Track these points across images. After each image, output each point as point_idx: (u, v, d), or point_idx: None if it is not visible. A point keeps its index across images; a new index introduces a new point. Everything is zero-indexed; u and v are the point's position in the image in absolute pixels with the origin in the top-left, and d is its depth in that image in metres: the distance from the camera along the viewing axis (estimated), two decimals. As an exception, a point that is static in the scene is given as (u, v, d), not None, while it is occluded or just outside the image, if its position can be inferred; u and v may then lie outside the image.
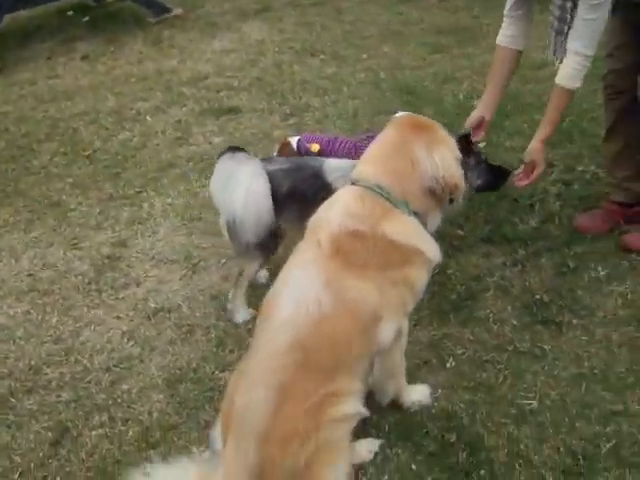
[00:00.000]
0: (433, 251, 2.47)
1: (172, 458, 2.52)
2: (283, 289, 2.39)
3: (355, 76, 5.93)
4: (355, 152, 3.61)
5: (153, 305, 3.54)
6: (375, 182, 2.40)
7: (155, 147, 5.16)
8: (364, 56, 6.33)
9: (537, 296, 3.22)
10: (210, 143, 5.12)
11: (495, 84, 3.34)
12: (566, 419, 2.63)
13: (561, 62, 3.06)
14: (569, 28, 3.01)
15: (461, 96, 5.28)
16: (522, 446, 2.54)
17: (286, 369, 2.28)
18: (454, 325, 3.14)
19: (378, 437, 2.63)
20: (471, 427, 2.64)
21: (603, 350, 2.91)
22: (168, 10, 8.13)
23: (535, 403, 2.71)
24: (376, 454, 2.58)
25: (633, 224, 3.54)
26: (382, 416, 2.69)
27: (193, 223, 4.19)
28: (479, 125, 3.33)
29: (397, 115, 2.71)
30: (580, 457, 2.47)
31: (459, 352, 3.00)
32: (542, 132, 3.14)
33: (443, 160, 2.42)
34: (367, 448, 2.58)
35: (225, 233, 3.25)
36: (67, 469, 2.71)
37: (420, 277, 2.47)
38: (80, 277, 3.82)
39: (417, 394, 2.76)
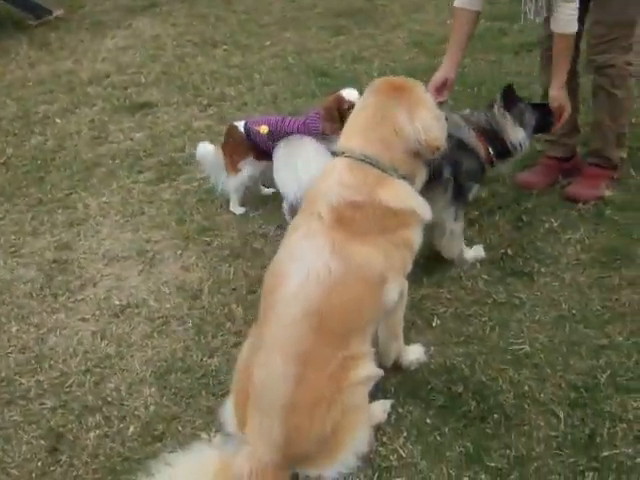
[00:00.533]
0: (425, 210, 2.54)
1: (184, 447, 2.46)
2: (289, 261, 2.40)
3: (264, 63, 5.94)
4: (305, 128, 3.64)
5: (118, 302, 3.44)
6: (361, 152, 2.43)
7: (74, 148, 4.99)
8: (267, 43, 6.35)
9: (502, 250, 3.35)
10: (132, 139, 5.02)
11: (456, 45, 3.41)
12: (559, 358, 2.76)
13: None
14: None
15: (375, 74, 5.37)
16: (526, 387, 2.65)
17: (303, 337, 2.30)
18: (430, 286, 3.22)
19: (387, 398, 2.67)
20: (473, 377, 2.72)
21: (575, 293, 3.07)
22: (49, 12, 7.85)
23: (527, 347, 2.83)
24: (389, 414, 2.61)
25: (571, 176, 3.74)
26: (386, 378, 2.72)
27: (136, 218, 4.10)
28: (443, 85, 3.39)
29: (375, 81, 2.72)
30: (582, 390, 2.60)
31: (441, 311, 3.09)
32: (557, 80, 3.28)
33: (423, 122, 2.47)
34: (381, 409, 2.62)
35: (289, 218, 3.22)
36: (73, 473, 2.61)
37: (416, 236, 2.53)
38: (30, 284, 3.66)
39: (414, 353, 2.82)
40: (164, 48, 6.59)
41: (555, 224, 3.47)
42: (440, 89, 3.38)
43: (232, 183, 3.96)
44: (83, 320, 3.37)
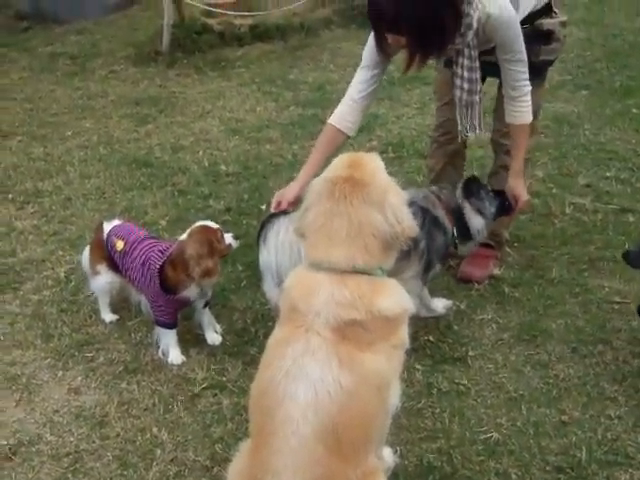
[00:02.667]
0: (412, 305, 2.44)
1: None
2: (288, 380, 2.15)
3: (72, 154, 5.49)
4: (145, 267, 3.27)
5: (5, 442, 2.89)
6: (349, 265, 2.27)
7: None
8: (68, 133, 5.89)
9: (423, 338, 3.33)
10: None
11: (316, 163, 3.22)
12: (530, 441, 2.77)
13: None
14: (480, 95, 3.21)
15: (206, 162, 5.21)
16: (514, 476, 2.62)
17: (319, 460, 2.09)
18: (364, 382, 3.09)
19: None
20: (457, 473, 2.64)
21: (513, 373, 3.12)
22: None
23: (495, 434, 2.80)
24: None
25: (455, 257, 3.82)
26: None
27: (-14, 338, 3.50)
28: (295, 200, 3.12)
29: (327, 171, 2.53)
30: (569, 470, 2.62)
31: (387, 406, 2.96)
32: (514, 169, 3.35)
33: (396, 213, 2.35)
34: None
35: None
36: None
37: (406, 332, 2.42)
38: None
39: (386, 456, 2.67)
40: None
41: (462, 306, 3.53)
42: (290, 203, 3.14)
43: (93, 285, 3.56)
44: (-39, 473, 2.77)
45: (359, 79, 3.26)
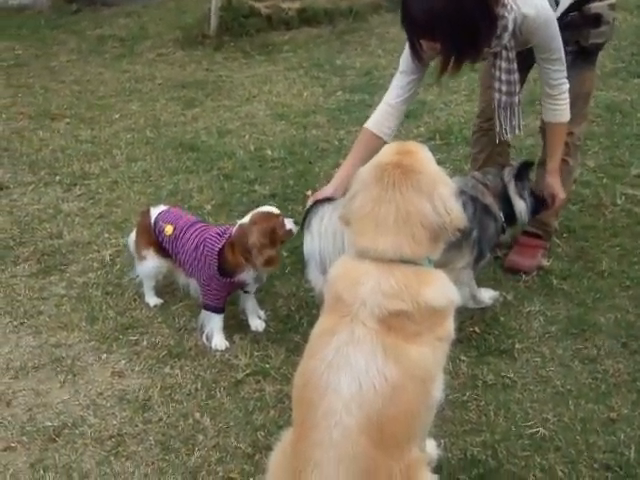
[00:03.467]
0: (459, 297, 2.39)
1: None
2: (331, 371, 2.12)
3: (119, 137, 5.52)
4: (200, 250, 3.27)
5: (49, 423, 2.91)
6: (396, 254, 2.23)
7: None
8: (116, 116, 5.92)
9: (469, 329, 3.27)
10: (-10, 226, 4.38)
11: (352, 166, 3.09)
12: (577, 437, 2.70)
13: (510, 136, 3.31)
14: (520, 96, 3.19)
15: (252, 147, 5.19)
16: (560, 473, 2.55)
17: (364, 454, 2.05)
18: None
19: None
20: (502, 468, 2.59)
21: (560, 367, 3.05)
22: None
23: (541, 429, 2.74)
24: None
25: (503, 246, 3.76)
26: None
27: (33, 319, 3.54)
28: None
29: (377, 157, 2.49)
30: (616, 469, 2.55)
31: (432, 399, 2.92)
32: (552, 166, 3.32)
33: (445, 203, 2.29)
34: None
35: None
36: None
37: (452, 324, 2.37)
38: None
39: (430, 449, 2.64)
40: (-6, 126, 5.91)
41: (509, 297, 3.46)
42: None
43: (139, 270, 3.56)
44: (7, 450, 2.80)
45: (397, 84, 3.21)
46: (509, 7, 2.91)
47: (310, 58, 7.02)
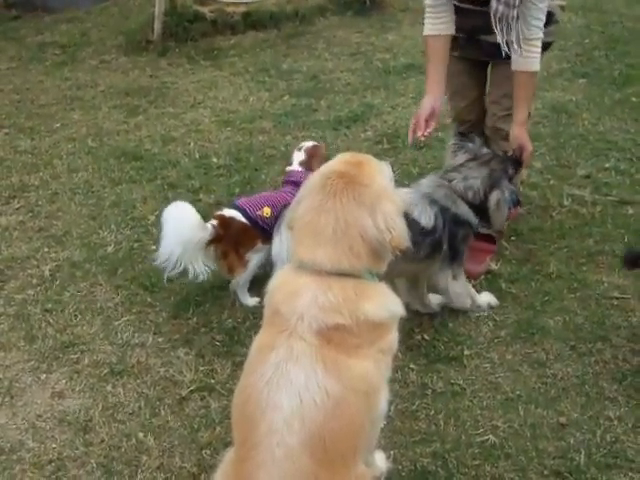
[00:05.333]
0: (402, 309, 2.34)
1: None
2: (271, 388, 2.07)
3: (60, 147, 5.36)
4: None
5: (-14, 449, 2.79)
6: (334, 267, 2.16)
7: None
8: (57, 125, 5.75)
9: (417, 337, 3.24)
10: None
11: (436, 73, 3.39)
12: (527, 443, 2.69)
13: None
14: (518, 11, 3.15)
15: (196, 155, 5.10)
16: (510, 482, 2.53)
17: (307, 471, 2.01)
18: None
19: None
20: (451, 478, 2.55)
21: (509, 372, 3.04)
22: None
23: (491, 437, 2.73)
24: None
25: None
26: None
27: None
28: (432, 114, 3.35)
29: (325, 166, 2.44)
30: (567, 474, 2.56)
31: (381, 409, 2.87)
32: (518, 117, 3.33)
33: (387, 221, 2.21)
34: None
35: None
36: None
37: (396, 337, 2.33)
38: None
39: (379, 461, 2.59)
40: None
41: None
42: (429, 119, 3.32)
43: (242, 279, 3.48)
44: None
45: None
46: None
47: (256, 62, 6.93)
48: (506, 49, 3.25)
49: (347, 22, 7.84)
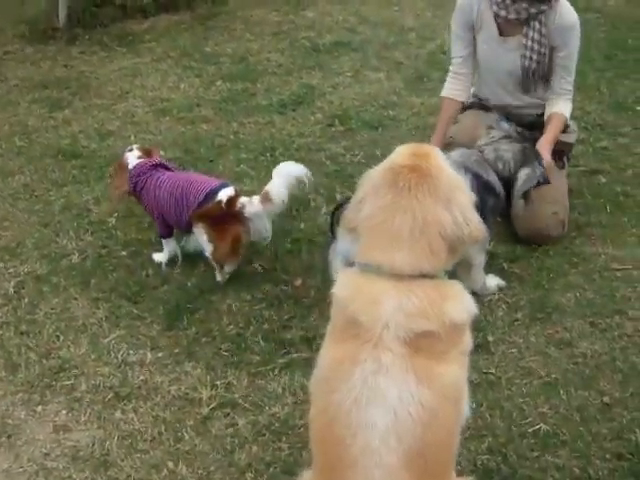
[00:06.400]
0: (475, 306, 2.19)
1: None
2: (361, 405, 1.90)
3: (-14, 146, 4.90)
4: None
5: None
6: (414, 269, 2.00)
7: None
8: (-25, 124, 5.26)
9: (437, 326, 3.10)
10: None
11: (442, 131, 3.71)
12: (580, 428, 2.63)
13: None
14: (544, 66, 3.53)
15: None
16: (576, 470, 2.49)
17: None
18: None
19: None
20: (517, 473, 2.50)
21: (538, 355, 2.97)
22: None
23: (542, 425, 2.65)
24: None
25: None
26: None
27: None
28: None
29: (388, 161, 2.22)
30: (628, 455, 2.52)
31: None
32: (545, 137, 3.49)
33: (464, 213, 2.07)
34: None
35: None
36: None
37: (470, 335, 2.18)
38: None
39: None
40: None
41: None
42: None
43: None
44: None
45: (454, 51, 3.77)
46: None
47: (176, 47, 6.57)
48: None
49: (261, 0, 7.56)
